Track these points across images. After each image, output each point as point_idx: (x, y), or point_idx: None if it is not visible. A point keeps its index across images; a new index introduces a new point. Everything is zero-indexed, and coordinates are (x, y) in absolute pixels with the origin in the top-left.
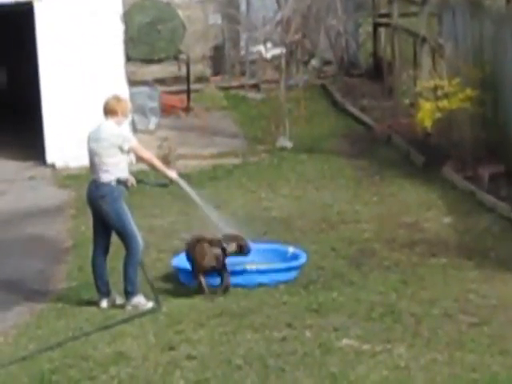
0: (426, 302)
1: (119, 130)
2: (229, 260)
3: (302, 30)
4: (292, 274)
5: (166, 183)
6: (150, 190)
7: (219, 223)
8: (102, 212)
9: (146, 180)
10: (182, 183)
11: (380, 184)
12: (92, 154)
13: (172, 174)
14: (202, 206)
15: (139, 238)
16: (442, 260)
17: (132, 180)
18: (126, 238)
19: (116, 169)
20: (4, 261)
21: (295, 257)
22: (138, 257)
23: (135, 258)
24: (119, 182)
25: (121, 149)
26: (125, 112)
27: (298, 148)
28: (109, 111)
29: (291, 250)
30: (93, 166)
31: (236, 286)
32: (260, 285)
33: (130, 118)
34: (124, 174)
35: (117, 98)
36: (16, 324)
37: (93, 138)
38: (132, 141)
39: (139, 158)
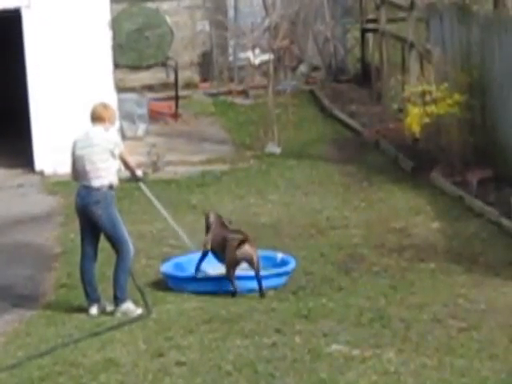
0: (415, 306)
1: (110, 136)
2: (217, 266)
3: (289, 36)
4: (281, 280)
5: (140, 177)
6: (139, 196)
7: (178, 231)
8: (94, 217)
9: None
10: (144, 187)
11: (368, 189)
12: (81, 161)
13: (139, 172)
14: (162, 213)
15: (130, 244)
16: (431, 265)
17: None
18: (117, 243)
19: (107, 174)
20: None
21: (284, 263)
22: (129, 262)
23: (126, 263)
24: (111, 186)
25: (112, 154)
26: (112, 119)
27: (287, 154)
28: (96, 118)
29: (280, 255)
30: (82, 172)
31: (225, 292)
32: (249, 291)
33: (118, 125)
34: (115, 179)
35: (104, 105)
36: (5, 331)
37: (81, 145)
38: (121, 146)
39: (124, 164)
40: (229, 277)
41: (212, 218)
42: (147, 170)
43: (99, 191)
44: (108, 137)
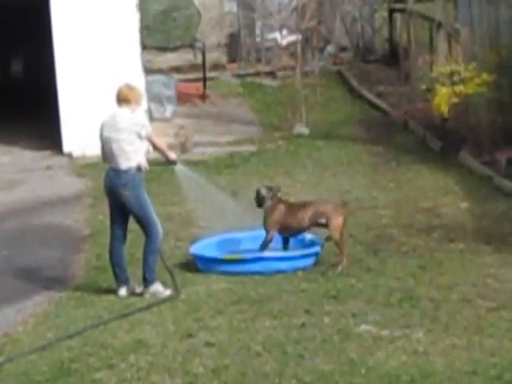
0: (445, 287)
1: (137, 117)
2: (247, 247)
3: (317, 17)
4: (310, 261)
5: (174, 160)
6: (169, 178)
7: (229, 204)
8: (122, 199)
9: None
10: (182, 168)
11: (397, 170)
12: (109, 143)
13: (172, 155)
14: (209, 189)
15: (159, 225)
16: (460, 245)
17: (146, 164)
18: (146, 225)
19: (135, 155)
20: (22, 250)
21: (313, 243)
22: (157, 244)
23: (155, 245)
24: (139, 168)
25: (139, 135)
26: (138, 100)
27: (315, 134)
28: (122, 100)
29: (309, 236)
30: (110, 155)
31: (254, 273)
32: (278, 272)
33: (146, 107)
34: (143, 160)
35: (129, 87)
36: (35, 313)
37: (108, 127)
38: (149, 128)
39: (153, 146)
40: (340, 242)
41: (264, 193)
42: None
43: (127, 173)
44: (134, 118)
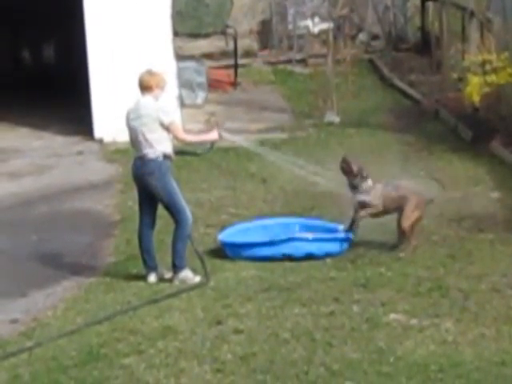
0: (474, 276)
1: (159, 104)
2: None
3: (349, 5)
4: (340, 246)
5: (198, 152)
6: (198, 165)
7: (285, 161)
8: (150, 187)
9: (182, 150)
10: (228, 136)
11: (428, 159)
12: (134, 131)
13: (213, 135)
14: (260, 150)
15: (188, 211)
16: (490, 235)
17: (172, 153)
18: (175, 212)
19: (160, 144)
20: (52, 235)
21: (338, 231)
22: (187, 230)
23: (184, 231)
24: (165, 156)
25: (161, 123)
26: (160, 85)
27: (346, 123)
28: (144, 87)
29: (342, 228)
30: (136, 143)
31: (284, 255)
32: (308, 256)
33: (177, 93)
34: (169, 148)
35: (150, 73)
36: (64, 298)
37: (132, 116)
38: (171, 116)
39: (175, 137)
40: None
41: (356, 167)
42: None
43: (153, 162)
44: (156, 106)
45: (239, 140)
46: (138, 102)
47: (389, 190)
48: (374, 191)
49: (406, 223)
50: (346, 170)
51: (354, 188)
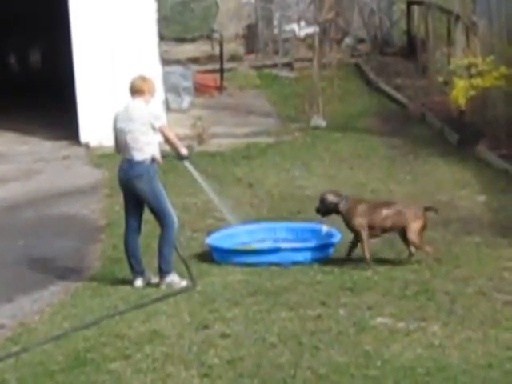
0: (461, 280)
1: (150, 109)
2: (262, 239)
3: (335, 9)
4: (326, 252)
5: (185, 156)
6: (184, 169)
7: (222, 207)
8: (136, 191)
9: (166, 154)
10: (189, 165)
11: (414, 162)
12: (123, 134)
13: (183, 150)
14: (206, 189)
15: (174, 216)
16: (477, 238)
17: (159, 157)
18: (161, 216)
19: (149, 147)
20: (39, 240)
21: (329, 235)
22: (173, 235)
23: (171, 236)
24: (153, 160)
25: (152, 127)
26: (151, 91)
27: (332, 127)
28: (135, 91)
29: (325, 228)
30: (123, 146)
31: (270, 264)
32: (294, 263)
33: (163, 97)
34: (157, 152)
35: (143, 78)
36: (51, 303)
37: (122, 118)
38: (163, 119)
39: (165, 138)
40: (420, 244)
41: (332, 198)
42: (192, 143)
43: (141, 165)
44: (148, 110)
45: (197, 176)
46: (127, 105)
47: (379, 208)
48: (355, 211)
49: (414, 237)
50: (325, 203)
51: (337, 213)
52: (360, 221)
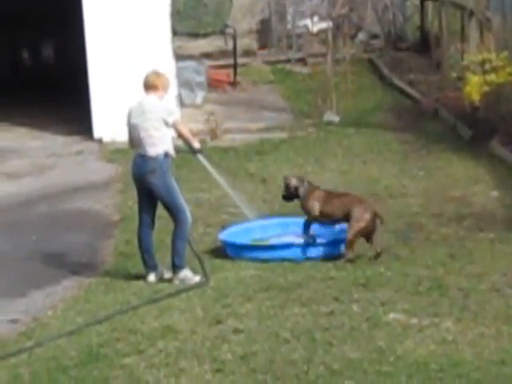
0: (474, 276)
1: (164, 104)
2: (276, 234)
3: (348, 4)
4: (339, 248)
5: (198, 150)
6: (197, 164)
7: (238, 201)
8: (150, 186)
9: (180, 149)
10: (202, 159)
11: (427, 158)
12: (136, 129)
13: (196, 144)
14: (222, 183)
15: (188, 211)
16: (490, 234)
17: (173, 151)
18: (174, 211)
19: (162, 142)
20: (52, 235)
21: (343, 231)
22: (186, 230)
23: (184, 231)
24: (167, 155)
25: (166, 122)
26: (165, 86)
27: (345, 122)
28: (149, 86)
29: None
30: (137, 141)
31: (283, 260)
32: (307, 259)
33: (176, 93)
34: (170, 147)
35: (157, 73)
36: (64, 298)
37: (136, 114)
38: (176, 115)
39: (178, 134)
40: (351, 242)
41: (295, 183)
42: (205, 138)
43: (155, 160)
44: (161, 105)
45: (211, 170)
46: (141, 100)
47: (332, 198)
48: (311, 195)
49: (349, 233)
50: (288, 187)
51: (297, 197)
52: (312, 205)
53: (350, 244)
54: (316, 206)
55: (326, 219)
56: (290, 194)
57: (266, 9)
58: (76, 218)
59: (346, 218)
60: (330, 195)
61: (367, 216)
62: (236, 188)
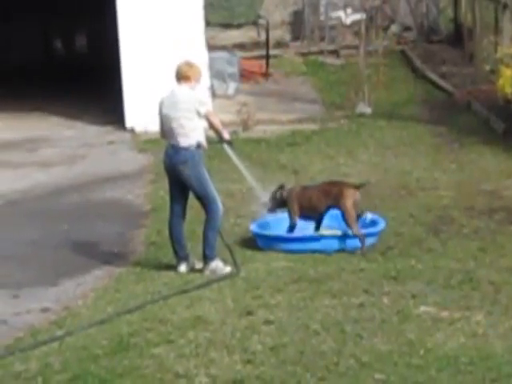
0: (505, 269)
1: (196, 95)
2: (307, 226)
3: None
4: (370, 241)
5: (227, 140)
6: (229, 156)
7: (261, 195)
8: (182, 177)
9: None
10: (229, 150)
11: (459, 151)
12: (168, 120)
13: (226, 135)
14: (246, 176)
15: (219, 202)
16: None
17: (205, 142)
18: (206, 202)
19: (194, 133)
20: (83, 224)
21: (373, 223)
22: (218, 221)
23: (216, 222)
24: (199, 146)
25: (198, 113)
26: (197, 77)
27: (377, 114)
28: (182, 77)
29: (369, 216)
30: (169, 132)
31: (314, 251)
32: (338, 251)
33: (208, 83)
34: (202, 137)
35: (189, 64)
36: (95, 287)
37: (167, 104)
38: (208, 105)
39: (210, 124)
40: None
41: (276, 193)
42: (237, 129)
43: (187, 150)
44: (193, 96)
45: (237, 162)
46: (173, 90)
47: (310, 190)
48: (291, 197)
49: (350, 221)
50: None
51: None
52: (292, 205)
53: (354, 224)
54: (295, 206)
55: (311, 213)
56: (277, 205)
57: (299, 0)
58: (107, 208)
59: (334, 204)
60: (306, 190)
61: (351, 192)
62: (267, 179)
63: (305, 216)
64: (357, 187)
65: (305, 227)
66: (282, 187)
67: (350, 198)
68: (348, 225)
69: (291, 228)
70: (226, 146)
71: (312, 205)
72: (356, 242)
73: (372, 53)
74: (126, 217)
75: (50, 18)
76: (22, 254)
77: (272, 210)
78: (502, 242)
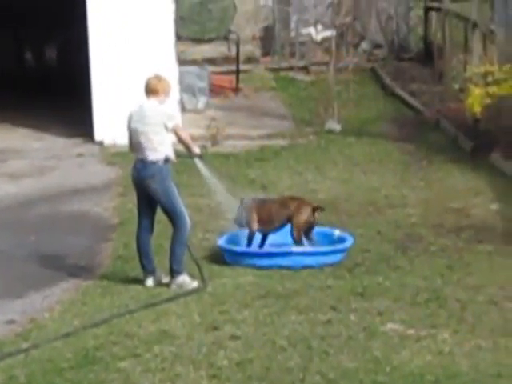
0: (472, 288)
1: (164, 109)
2: (275, 242)
3: (352, 13)
4: (338, 257)
5: (197, 154)
6: (198, 170)
7: (229, 210)
8: (150, 191)
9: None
10: (199, 164)
11: (428, 169)
12: (136, 134)
13: (196, 149)
14: (215, 191)
15: (187, 216)
16: (489, 246)
17: (173, 156)
18: (174, 216)
19: (162, 147)
20: (51, 237)
21: (341, 240)
22: (185, 235)
23: (183, 236)
24: (167, 160)
25: (166, 127)
26: (166, 91)
27: (347, 131)
28: (150, 91)
29: (337, 232)
30: (137, 146)
31: (281, 267)
32: (305, 267)
33: (178, 97)
34: (170, 151)
35: (158, 78)
36: (61, 300)
37: (136, 118)
38: (176, 120)
39: (178, 139)
40: (299, 240)
41: (240, 209)
42: (206, 144)
43: (155, 165)
44: (161, 110)
45: (206, 176)
46: (142, 105)
47: (267, 204)
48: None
49: (296, 233)
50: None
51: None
52: (250, 218)
53: (298, 240)
54: (254, 219)
55: (268, 227)
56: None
57: (270, 16)
58: (75, 220)
59: (288, 219)
60: (265, 202)
61: (306, 210)
62: (236, 195)
63: (261, 229)
64: (315, 208)
65: (274, 243)
66: (242, 202)
67: (305, 215)
68: (293, 239)
69: (249, 239)
70: (196, 160)
71: (270, 217)
72: (325, 259)
73: (342, 69)
74: (94, 230)
75: (21, 31)
76: None
77: (240, 224)
78: (469, 260)
